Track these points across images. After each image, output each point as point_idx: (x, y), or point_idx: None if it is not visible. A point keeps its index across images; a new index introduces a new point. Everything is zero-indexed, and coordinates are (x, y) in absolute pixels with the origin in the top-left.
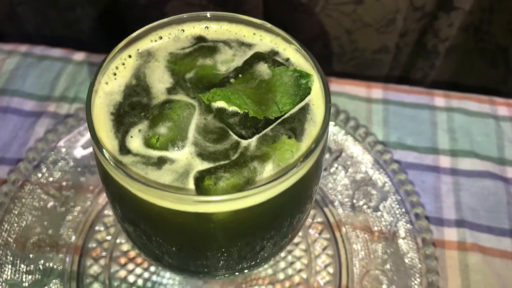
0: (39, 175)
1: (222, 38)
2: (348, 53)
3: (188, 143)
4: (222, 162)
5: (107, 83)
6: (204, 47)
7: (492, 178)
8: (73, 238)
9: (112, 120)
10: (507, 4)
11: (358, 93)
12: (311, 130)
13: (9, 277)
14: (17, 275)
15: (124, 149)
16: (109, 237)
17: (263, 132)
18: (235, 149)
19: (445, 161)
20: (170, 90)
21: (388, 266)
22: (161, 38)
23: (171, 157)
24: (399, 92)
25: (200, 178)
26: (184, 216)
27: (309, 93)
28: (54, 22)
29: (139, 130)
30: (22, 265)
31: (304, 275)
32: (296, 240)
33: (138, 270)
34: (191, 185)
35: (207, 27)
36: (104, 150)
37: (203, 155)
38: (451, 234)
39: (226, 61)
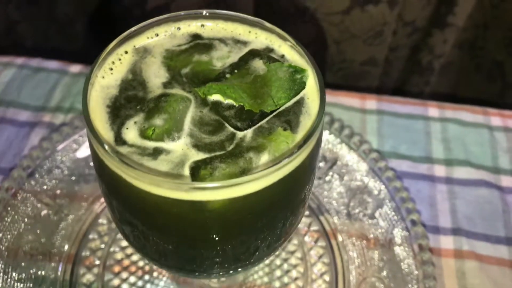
0: (33, 182)
1: (218, 36)
2: (337, 64)
3: (184, 134)
4: (218, 153)
5: (103, 77)
6: (200, 44)
7: (487, 187)
8: (66, 246)
9: (108, 113)
10: (502, 20)
11: (352, 104)
12: (306, 123)
13: (0, 285)
14: (8, 283)
15: (119, 140)
16: (103, 246)
17: (259, 124)
18: (231, 141)
19: (440, 170)
20: (166, 85)
21: (384, 273)
22: (157, 35)
23: (167, 148)
24: (393, 103)
25: (195, 168)
26: (179, 206)
27: (303, 88)
28: (53, 39)
29: (135, 122)
30: (14, 273)
31: (300, 283)
32: (291, 248)
33: (132, 279)
34: (186, 175)
35: (203, 25)
36: (99, 136)
37: (198, 146)
38: (447, 242)
39: (222, 58)
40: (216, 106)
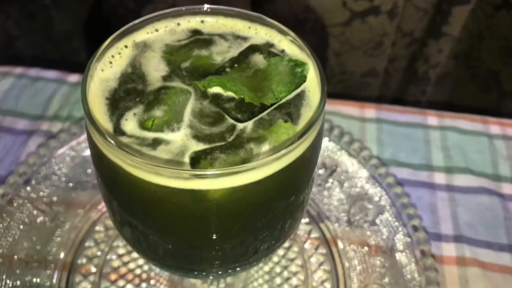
0: (29, 189)
1: (218, 32)
2: (337, 75)
3: (184, 125)
4: (218, 144)
5: (102, 70)
6: (199, 39)
7: (488, 194)
8: (62, 254)
9: (107, 105)
10: (496, 30)
11: (352, 112)
12: (307, 115)
13: None
14: None
15: (118, 131)
16: (99, 253)
17: (260, 116)
18: (231, 132)
19: (440, 178)
20: (165, 78)
21: (387, 280)
22: (157, 30)
23: (166, 139)
24: (392, 112)
25: (196, 158)
26: (179, 195)
27: (304, 81)
28: (51, 53)
29: (134, 114)
30: (9, 281)
31: None
32: (292, 255)
33: (129, 287)
34: (186, 165)
35: (202, 21)
36: (97, 124)
37: (198, 137)
38: (449, 249)
39: (222, 52)
40: (216, 99)
